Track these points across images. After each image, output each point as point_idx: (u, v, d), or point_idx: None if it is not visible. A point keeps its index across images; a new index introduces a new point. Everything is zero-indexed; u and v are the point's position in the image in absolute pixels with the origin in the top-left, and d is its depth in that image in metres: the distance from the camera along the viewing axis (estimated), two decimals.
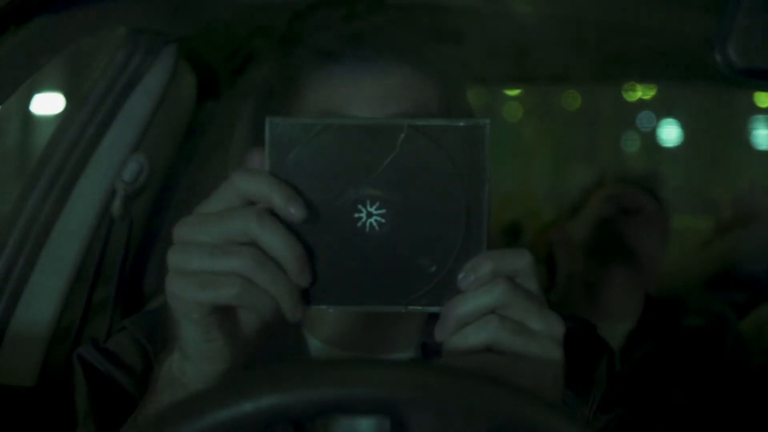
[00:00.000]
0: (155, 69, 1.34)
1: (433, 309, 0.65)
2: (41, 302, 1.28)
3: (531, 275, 0.65)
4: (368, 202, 0.64)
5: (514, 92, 4.98)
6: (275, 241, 0.63)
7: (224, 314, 0.65)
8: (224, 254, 0.63)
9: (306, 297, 0.65)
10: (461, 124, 0.63)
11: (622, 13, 1.44)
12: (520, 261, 0.64)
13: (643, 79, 2.73)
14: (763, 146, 5.46)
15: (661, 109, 5.89)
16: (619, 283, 1.71)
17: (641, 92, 4.37)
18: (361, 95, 0.85)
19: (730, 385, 1.65)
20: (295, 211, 0.63)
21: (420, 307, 0.65)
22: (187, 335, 0.66)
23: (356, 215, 0.64)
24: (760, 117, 5.31)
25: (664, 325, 1.71)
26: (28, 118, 4.83)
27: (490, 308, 0.63)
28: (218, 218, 0.64)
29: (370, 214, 0.64)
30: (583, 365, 0.90)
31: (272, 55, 1.52)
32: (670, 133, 6.05)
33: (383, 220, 0.64)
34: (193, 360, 0.67)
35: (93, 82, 1.33)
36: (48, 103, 4.39)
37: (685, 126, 6.05)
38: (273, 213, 0.64)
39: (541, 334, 0.64)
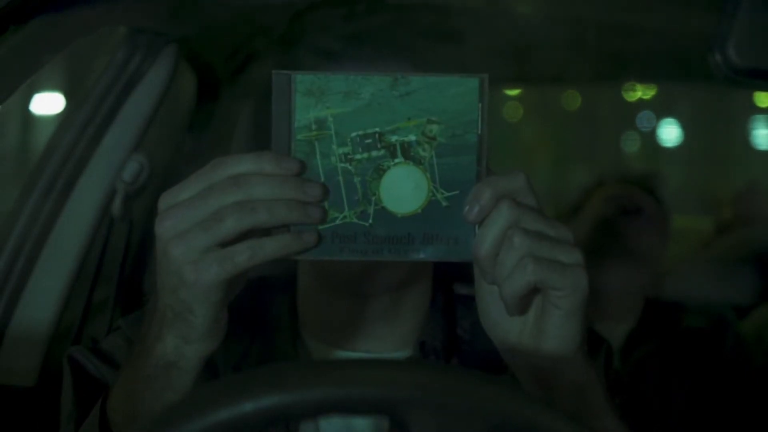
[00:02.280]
0: (155, 69, 1.34)
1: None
2: (41, 302, 1.28)
3: (528, 192, 0.67)
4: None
5: (514, 92, 4.98)
6: (270, 164, 0.64)
7: (229, 289, 0.66)
8: (219, 192, 0.63)
9: (316, 250, 0.66)
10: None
11: (622, 13, 1.44)
12: (516, 181, 0.67)
13: (643, 79, 2.73)
14: (763, 146, 5.46)
15: (661, 109, 5.89)
16: (619, 283, 1.71)
17: (641, 92, 4.37)
18: None
19: (731, 385, 1.64)
20: (289, 165, 0.64)
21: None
22: (199, 319, 0.65)
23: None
24: (760, 117, 5.31)
25: (664, 325, 1.71)
26: (28, 118, 4.83)
27: (504, 228, 0.65)
28: (202, 173, 0.65)
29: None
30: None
31: (272, 55, 1.52)
32: (670, 133, 6.05)
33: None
34: (194, 342, 0.67)
35: (93, 82, 1.33)
36: (48, 103, 4.39)
37: (685, 126, 6.05)
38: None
39: (570, 266, 0.66)
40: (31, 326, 1.26)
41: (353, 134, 0.65)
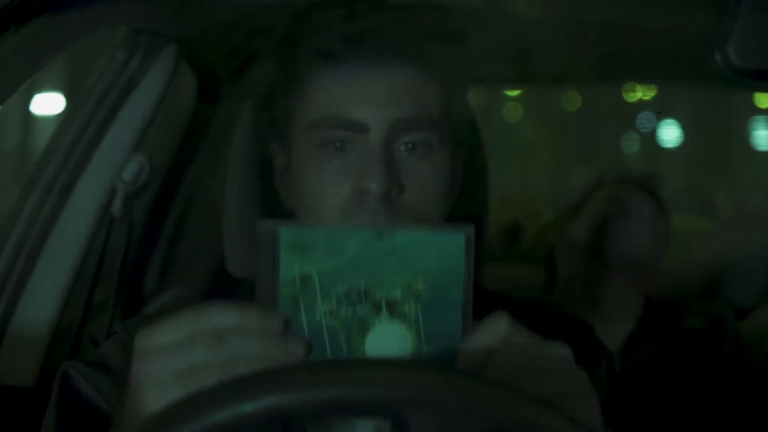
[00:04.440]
0: (155, 69, 1.34)
1: None
2: (41, 302, 1.28)
3: (512, 333, 0.65)
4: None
5: (514, 92, 4.98)
6: (253, 320, 0.63)
7: None
8: (200, 348, 0.62)
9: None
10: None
11: (622, 13, 1.44)
12: (499, 331, 0.65)
13: (643, 79, 2.72)
14: (763, 146, 5.46)
15: (661, 109, 5.89)
16: (618, 284, 1.71)
17: (641, 92, 4.37)
18: (361, 96, 0.85)
19: (730, 386, 1.64)
20: (273, 323, 0.63)
21: None
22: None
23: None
24: (760, 117, 5.31)
25: (664, 326, 1.70)
26: (28, 118, 4.83)
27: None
28: (184, 321, 0.64)
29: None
30: (582, 367, 0.91)
31: (273, 56, 1.52)
32: (670, 133, 6.05)
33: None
34: None
35: (93, 82, 1.33)
36: (48, 103, 4.39)
37: (685, 126, 6.05)
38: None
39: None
40: (31, 326, 1.26)
41: (338, 289, 0.64)
